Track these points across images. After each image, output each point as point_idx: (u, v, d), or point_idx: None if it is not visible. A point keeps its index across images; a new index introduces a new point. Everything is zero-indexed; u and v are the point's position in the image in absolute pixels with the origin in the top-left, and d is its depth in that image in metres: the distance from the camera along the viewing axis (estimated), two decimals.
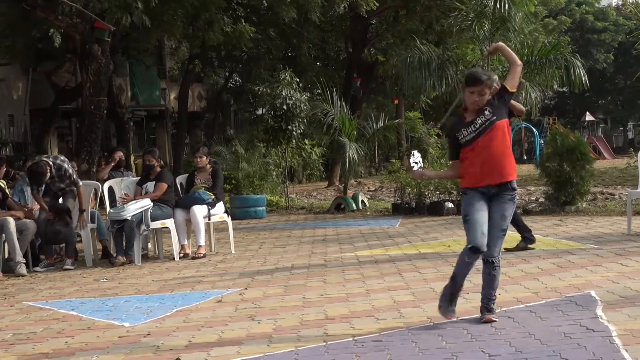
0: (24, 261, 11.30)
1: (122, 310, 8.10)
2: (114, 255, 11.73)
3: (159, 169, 12.35)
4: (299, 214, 19.65)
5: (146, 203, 11.72)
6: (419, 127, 20.78)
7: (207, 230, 12.33)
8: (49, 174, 11.46)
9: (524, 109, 10.90)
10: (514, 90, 6.54)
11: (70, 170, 11.75)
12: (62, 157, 12.07)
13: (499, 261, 6.49)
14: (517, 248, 10.40)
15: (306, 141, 23.33)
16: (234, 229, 12.94)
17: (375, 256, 10.78)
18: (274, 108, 20.20)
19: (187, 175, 12.95)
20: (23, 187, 12.66)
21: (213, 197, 12.15)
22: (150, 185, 12.22)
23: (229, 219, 12.57)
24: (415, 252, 10.98)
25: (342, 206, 19.09)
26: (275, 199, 21.41)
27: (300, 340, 6.23)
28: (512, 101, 10.91)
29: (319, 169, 30.17)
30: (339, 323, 6.74)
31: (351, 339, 6.16)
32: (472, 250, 6.40)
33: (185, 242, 12.07)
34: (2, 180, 12.28)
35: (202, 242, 11.92)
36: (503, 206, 6.50)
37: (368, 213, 18.32)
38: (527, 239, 10.53)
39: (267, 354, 5.90)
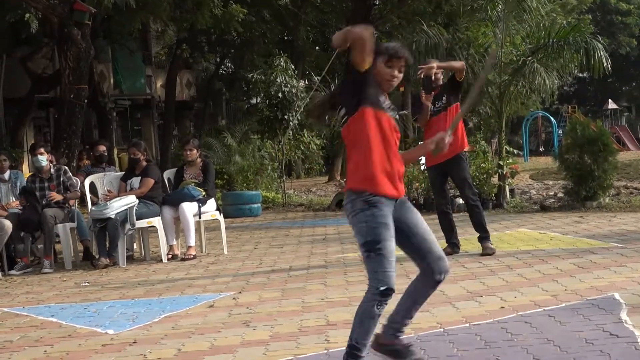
0: None
1: (105, 316, 8.11)
2: (97, 256, 11.74)
3: (144, 163, 12.36)
4: (297, 211, 19.65)
5: (131, 200, 11.72)
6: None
7: (198, 230, 12.34)
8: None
9: (460, 64, 10.84)
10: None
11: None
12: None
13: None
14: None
15: (304, 132, 23.32)
16: (226, 228, 12.96)
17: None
18: (269, 97, 20.21)
19: (175, 169, 12.94)
20: None
21: (204, 193, 12.15)
22: (135, 181, 12.23)
23: (221, 217, 12.57)
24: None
25: (343, 203, 19.07)
26: (272, 196, 21.39)
27: (299, 348, 6.25)
28: (446, 63, 11.06)
29: (318, 163, 30.14)
30: (341, 329, 6.74)
31: None
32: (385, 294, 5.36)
33: (174, 242, 12.06)
34: None
35: (192, 242, 11.93)
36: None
37: None
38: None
39: None
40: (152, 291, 9.40)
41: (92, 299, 9.17)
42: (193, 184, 12.21)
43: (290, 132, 21.18)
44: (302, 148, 24.10)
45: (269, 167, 21.65)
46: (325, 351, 6.11)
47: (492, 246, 10.36)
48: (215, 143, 21.81)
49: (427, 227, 5.59)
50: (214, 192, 12.88)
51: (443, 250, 10.13)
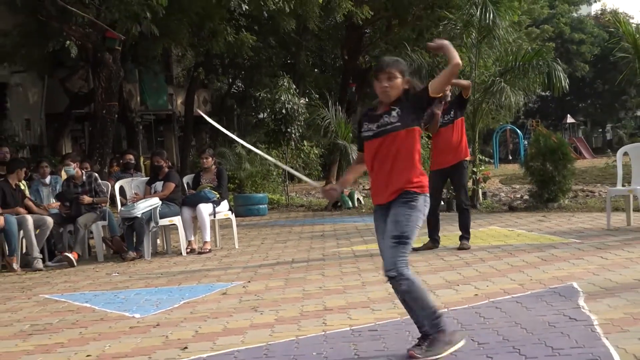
0: (41, 256, 11.31)
1: (132, 302, 8.09)
2: (125, 250, 11.71)
3: (166, 170, 12.33)
4: (298, 211, 19.62)
5: (155, 201, 11.70)
6: None
7: (213, 227, 12.32)
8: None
9: (467, 83, 10.86)
10: (436, 95, 5.22)
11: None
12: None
13: (402, 274, 5.10)
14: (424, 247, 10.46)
15: (305, 143, 23.28)
16: (237, 226, 12.93)
17: (370, 250, 10.74)
18: (274, 112, 20.17)
19: (193, 175, 12.91)
20: (38, 188, 12.66)
21: (218, 195, 12.12)
22: (158, 185, 12.20)
23: (232, 216, 12.56)
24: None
25: (339, 204, 19.05)
26: (276, 198, 21.37)
27: (300, 330, 6.22)
28: (456, 80, 11.08)
29: (317, 169, 30.11)
30: (336, 314, 6.72)
31: (348, 328, 6.15)
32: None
33: (192, 238, 12.04)
34: (22, 182, 12.25)
35: (207, 238, 11.90)
36: (396, 210, 5.21)
37: (363, 210, 18.27)
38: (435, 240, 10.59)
39: (269, 343, 5.88)
40: (173, 280, 9.37)
41: (121, 287, 9.14)
42: (209, 188, 12.18)
43: (293, 143, 21.12)
44: (303, 156, 24.04)
45: (274, 173, 21.62)
46: (323, 333, 6.08)
47: (468, 244, 10.32)
48: (228, 152, 21.78)
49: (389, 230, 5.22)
50: (227, 194, 12.84)
51: (424, 245, 10.18)
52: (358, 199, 19.37)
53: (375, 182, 5.43)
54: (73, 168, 11.94)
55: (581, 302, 6.48)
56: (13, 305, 8.36)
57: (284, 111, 20.05)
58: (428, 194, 5.37)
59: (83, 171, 12.05)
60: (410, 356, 5.10)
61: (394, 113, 5.25)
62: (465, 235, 10.42)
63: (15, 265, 11.11)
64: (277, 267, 9.88)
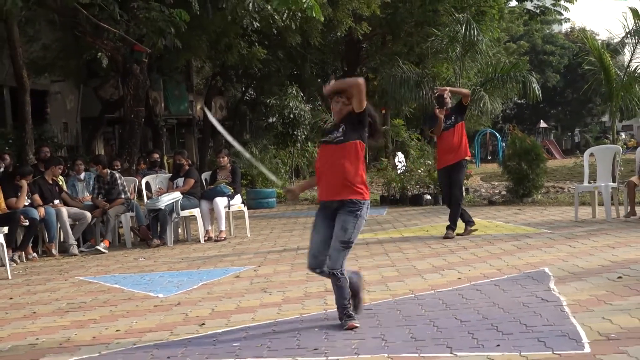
0: (76, 243, 11.30)
1: (156, 283, 8.09)
2: (151, 238, 11.70)
3: (187, 167, 12.31)
4: (303, 204, 19.53)
5: (176, 195, 11.68)
6: (402, 133, 20.78)
7: (227, 218, 12.28)
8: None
9: (467, 91, 10.86)
10: (359, 110, 5.48)
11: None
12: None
13: (342, 273, 5.52)
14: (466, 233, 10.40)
15: (309, 144, 23.20)
16: (249, 217, 12.89)
17: (365, 239, 10.72)
18: (283, 117, 20.18)
19: (210, 172, 12.90)
20: (74, 183, 12.66)
21: (232, 190, 12.10)
22: (180, 181, 12.17)
23: (245, 209, 12.53)
24: (399, 236, 10.94)
25: None
26: (284, 192, 21.30)
27: (304, 309, 6.22)
28: (457, 88, 11.10)
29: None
30: None
31: None
32: (311, 269, 5.71)
33: (209, 228, 12.00)
34: (60, 177, 12.25)
35: (223, 227, 11.88)
36: (344, 218, 5.49)
37: None
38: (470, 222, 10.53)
39: (277, 320, 5.89)
40: (192, 265, 9.37)
41: (147, 271, 9.14)
42: (224, 183, 12.16)
43: (299, 144, 21.11)
44: (307, 156, 23.97)
45: (282, 170, 21.55)
46: (324, 311, 6.08)
47: (452, 234, 10.30)
48: (241, 152, 21.62)
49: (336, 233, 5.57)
50: (240, 189, 12.79)
51: (466, 230, 10.11)
52: None
53: (322, 183, 5.63)
54: (96, 170, 12.00)
55: (552, 285, 6.47)
56: (52, 286, 8.37)
57: (291, 116, 20.06)
58: (369, 200, 5.69)
59: (107, 171, 11.98)
60: (351, 327, 5.41)
61: (340, 129, 5.52)
62: (452, 225, 10.39)
63: (54, 251, 11.11)
64: (284, 254, 9.88)
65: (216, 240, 11.70)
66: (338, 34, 22.64)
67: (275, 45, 25.90)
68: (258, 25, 13.31)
